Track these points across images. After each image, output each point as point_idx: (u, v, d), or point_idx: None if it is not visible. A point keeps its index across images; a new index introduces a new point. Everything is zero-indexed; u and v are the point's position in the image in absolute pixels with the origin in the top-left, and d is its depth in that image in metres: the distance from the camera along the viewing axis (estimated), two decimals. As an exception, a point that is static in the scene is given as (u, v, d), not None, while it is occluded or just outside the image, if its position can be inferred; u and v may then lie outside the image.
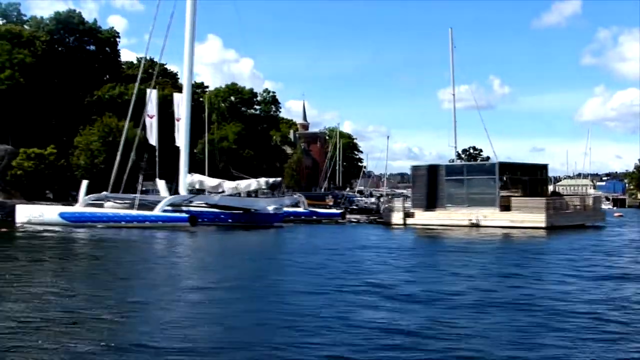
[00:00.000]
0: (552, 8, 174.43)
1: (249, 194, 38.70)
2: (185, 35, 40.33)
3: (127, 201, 38.73)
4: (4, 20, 72.96)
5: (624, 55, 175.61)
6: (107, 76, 72.09)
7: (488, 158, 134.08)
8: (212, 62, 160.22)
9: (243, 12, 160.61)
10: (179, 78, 79.97)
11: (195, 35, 40.09)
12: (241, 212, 37.27)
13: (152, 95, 53.22)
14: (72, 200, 53.30)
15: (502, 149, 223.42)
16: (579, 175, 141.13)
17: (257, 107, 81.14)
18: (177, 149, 46.44)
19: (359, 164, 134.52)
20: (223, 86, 79.85)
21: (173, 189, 41.05)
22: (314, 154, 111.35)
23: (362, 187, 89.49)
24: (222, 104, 79.92)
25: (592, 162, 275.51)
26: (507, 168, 38.66)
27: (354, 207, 47.00)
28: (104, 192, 39.04)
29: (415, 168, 40.92)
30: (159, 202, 37.85)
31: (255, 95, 79.88)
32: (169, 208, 35.27)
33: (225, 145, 74.48)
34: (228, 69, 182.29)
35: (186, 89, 40.96)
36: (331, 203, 52.17)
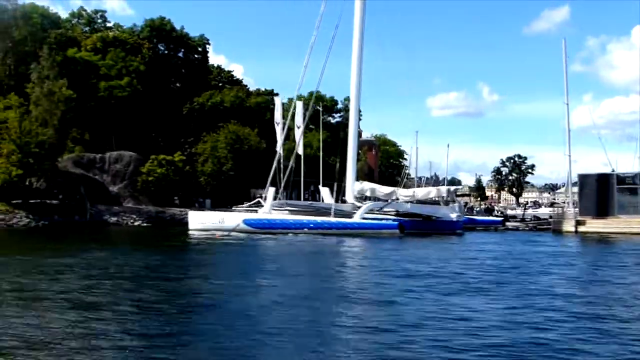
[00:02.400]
0: (542, 15, 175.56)
1: (420, 201, 39.03)
2: (352, 57, 40.58)
3: (297, 207, 39.19)
4: (88, 27, 73.37)
5: (612, 63, 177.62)
6: (199, 83, 72.29)
7: (533, 166, 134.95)
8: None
9: (231, 16, 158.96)
10: (247, 85, 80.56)
11: (363, 55, 40.36)
12: (421, 219, 37.65)
13: (277, 103, 53.95)
14: (198, 206, 53.65)
15: (491, 157, 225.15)
16: (575, 183, 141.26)
17: (336, 114, 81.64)
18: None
19: (406, 171, 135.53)
20: (306, 94, 79.98)
21: (338, 197, 41.38)
22: (369, 161, 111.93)
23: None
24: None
25: (582, 169, 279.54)
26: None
27: (499, 214, 47.59)
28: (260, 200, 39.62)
29: (583, 176, 41.51)
30: (329, 208, 38.36)
31: (336, 103, 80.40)
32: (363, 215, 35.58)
33: (310, 153, 74.83)
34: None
35: (353, 107, 41.21)
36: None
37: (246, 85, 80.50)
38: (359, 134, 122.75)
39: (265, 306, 11.77)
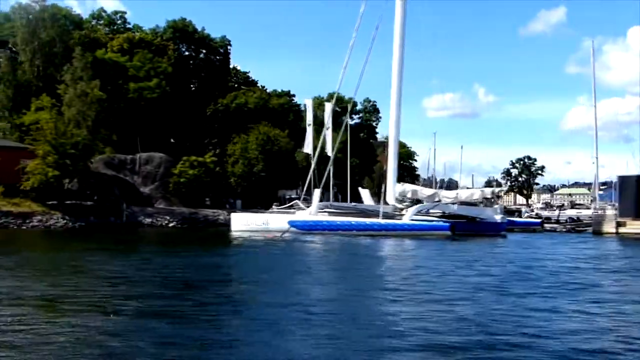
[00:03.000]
0: (538, 16, 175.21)
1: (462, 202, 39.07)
2: (393, 59, 40.71)
3: (340, 209, 39.31)
4: (107, 29, 73.30)
5: (608, 64, 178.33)
6: (219, 84, 72.22)
7: (543, 167, 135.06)
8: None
9: (230, 16, 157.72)
10: (264, 86, 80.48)
11: (404, 56, 40.51)
12: (464, 220, 37.74)
13: (308, 105, 54.13)
14: (229, 207, 53.72)
15: (486, 158, 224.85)
16: (575, 184, 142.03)
17: (355, 116, 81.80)
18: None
19: (415, 172, 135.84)
20: (325, 95, 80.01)
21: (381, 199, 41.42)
22: (382, 162, 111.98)
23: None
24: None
25: (576, 172, 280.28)
26: None
27: (534, 216, 47.83)
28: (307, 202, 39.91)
29: (623, 178, 41.68)
30: (373, 210, 38.51)
31: (355, 104, 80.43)
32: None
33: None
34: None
35: (394, 109, 41.29)
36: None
37: (264, 87, 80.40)
38: (375, 136, 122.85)
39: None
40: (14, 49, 57.20)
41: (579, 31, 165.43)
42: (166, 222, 48.00)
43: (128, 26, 76.11)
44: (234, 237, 36.84)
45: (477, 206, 38.07)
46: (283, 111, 69.08)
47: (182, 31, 70.30)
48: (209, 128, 65.01)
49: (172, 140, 65.11)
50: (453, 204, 38.12)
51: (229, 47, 73.94)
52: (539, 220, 44.03)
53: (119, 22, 75.95)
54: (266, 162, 52.59)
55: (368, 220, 35.60)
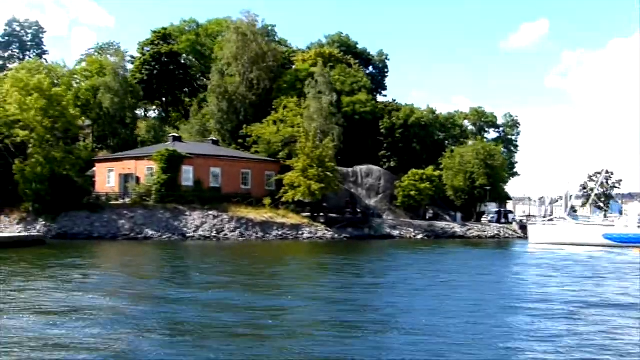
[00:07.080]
0: (520, 30, 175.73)
1: None
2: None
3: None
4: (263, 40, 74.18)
5: (588, 76, 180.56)
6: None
7: (620, 180, 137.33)
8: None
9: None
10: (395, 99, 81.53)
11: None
12: None
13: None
14: (450, 220, 54.66)
15: None
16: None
17: (495, 130, 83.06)
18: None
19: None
20: (467, 111, 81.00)
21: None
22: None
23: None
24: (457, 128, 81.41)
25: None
26: None
27: None
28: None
29: None
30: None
31: (495, 118, 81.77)
32: None
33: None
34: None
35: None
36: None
37: (394, 99, 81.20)
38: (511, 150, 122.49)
39: None
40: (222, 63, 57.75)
41: (560, 44, 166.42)
42: (412, 234, 48.95)
43: (276, 39, 77.26)
44: (535, 250, 37.68)
45: None
46: (449, 125, 70.29)
47: (346, 45, 71.54)
48: (383, 141, 65.87)
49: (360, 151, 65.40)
50: None
51: (386, 61, 75.08)
52: None
53: (273, 33, 76.99)
54: (488, 175, 53.70)
55: None
